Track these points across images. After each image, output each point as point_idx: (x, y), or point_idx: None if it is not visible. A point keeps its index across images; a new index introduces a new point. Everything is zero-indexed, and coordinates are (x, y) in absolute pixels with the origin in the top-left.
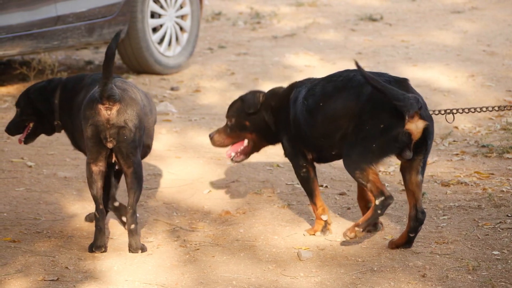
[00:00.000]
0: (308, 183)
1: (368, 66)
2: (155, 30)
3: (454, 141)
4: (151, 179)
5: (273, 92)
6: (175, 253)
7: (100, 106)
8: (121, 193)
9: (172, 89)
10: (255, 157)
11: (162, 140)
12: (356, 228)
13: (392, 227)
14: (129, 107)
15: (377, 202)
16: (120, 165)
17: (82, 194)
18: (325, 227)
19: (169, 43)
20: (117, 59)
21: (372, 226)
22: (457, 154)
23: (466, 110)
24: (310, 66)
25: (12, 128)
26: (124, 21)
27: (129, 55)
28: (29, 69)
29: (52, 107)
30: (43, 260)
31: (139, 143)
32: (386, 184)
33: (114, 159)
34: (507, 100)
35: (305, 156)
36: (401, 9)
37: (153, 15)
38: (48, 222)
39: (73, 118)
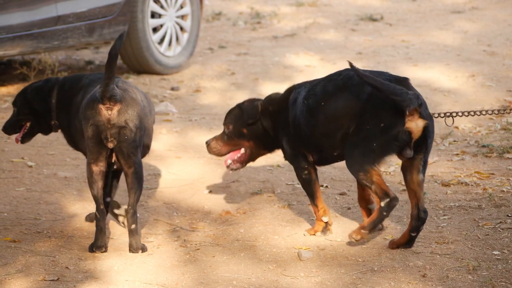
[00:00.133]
0: (309, 185)
1: (369, 66)
2: (155, 30)
3: (454, 141)
4: (151, 179)
5: (270, 98)
6: (176, 253)
7: (101, 106)
8: (122, 193)
9: (172, 89)
10: None
11: (163, 140)
12: (363, 231)
13: (393, 227)
14: (130, 107)
15: (382, 204)
16: (121, 165)
17: (83, 194)
18: (326, 228)
19: (170, 43)
20: (118, 59)
21: None
22: (458, 154)
23: (466, 113)
24: (310, 66)
25: (9, 128)
26: (124, 21)
27: (129, 55)
28: (30, 69)
29: (49, 107)
30: (44, 260)
31: (140, 143)
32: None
33: (114, 159)
34: (508, 100)
35: (306, 158)
36: (402, 9)
37: (154, 15)
38: (48, 222)
39: (71, 118)
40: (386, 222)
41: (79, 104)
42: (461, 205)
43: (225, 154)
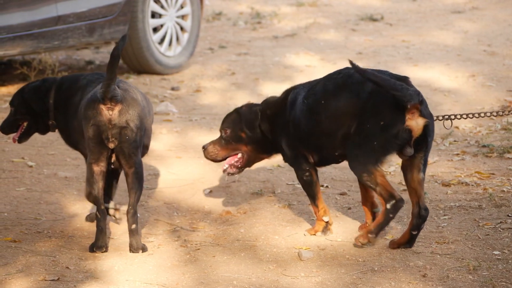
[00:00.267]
0: (311, 187)
1: (369, 66)
2: (155, 30)
3: (454, 141)
4: (151, 179)
5: (268, 102)
6: (176, 253)
7: (102, 106)
8: (122, 193)
9: (172, 89)
10: None
11: (163, 140)
12: (369, 235)
13: (393, 227)
14: (131, 108)
15: (388, 206)
16: (121, 165)
17: (83, 194)
18: (326, 228)
19: (170, 43)
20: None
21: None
22: (458, 154)
23: (464, 116)
24: (310, 66)
25: (6, 127)
26: (124, 21)
27: (129, 55)
28: (30, 69)
29: (46, 107)
30: (44, 260)
31: (140, 143)
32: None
33: (113, 159)
34: (508, 100)
35: (307, 159)
36: (402, 9)
37: (154, 15)
38: (48, 222)
39: (69, 118)
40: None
41: (77, 104)
42: (462, 205)
43: (223, 159)
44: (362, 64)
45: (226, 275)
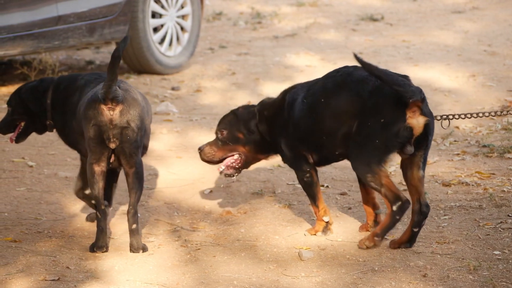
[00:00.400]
0: (311, 188)
1: None
2: (156, 30)
3: (455, 141)
4: (152, 179)
5: (265, 103)
6: (176, 253)
7: (103, 107)
8: (122, 193)
9: (173, 89)
10: None
11: (163, 140)
12: (376, 238)
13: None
14: (132, 108)
15: (394, 208)
16: (122, 165)
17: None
18: (326, 227)
19: (170, 43)
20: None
21: (374, 224)
22: (458, 154)
23: (463, 116)
24: (311, 66)
25: (3, 127)
26: (125, 21)
27: (130, 55)
28: (30, 69)
29: (44, 107)
30: (44, 260)
31: (141, 143)
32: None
33: (112, 159)
34: (508, 100)
35: (307, 160)
36: (402, 9)
37: (154, 15)
38: (49, 222)
39: (67, 118)
40: None
41: (75, 104)
42: (462, 205)
43: (219, 160)
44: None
45: (226, 275)
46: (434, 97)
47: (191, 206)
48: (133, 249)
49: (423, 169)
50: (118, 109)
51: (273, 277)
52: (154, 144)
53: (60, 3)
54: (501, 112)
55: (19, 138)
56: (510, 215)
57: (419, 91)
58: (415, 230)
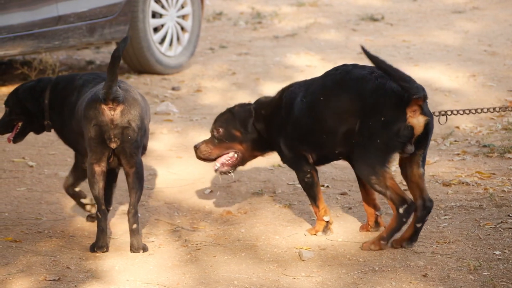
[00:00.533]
0: (312, 188)
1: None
2: (156, 30)
3: (455, 141)
4: (152, 179)
5: (262, 102)
6: (177, 253)
7: (104, 107)
8: (122, 193)
9: (173, 89)
10: None
11: (164, 140)
12: (382, 242)
13: None
14: (132, 108)
15: (400, 211)
16: (122, 165)
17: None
18: (327, 227)
19: (170, 43)
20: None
21: (374, 225)
22: (459, 154)
23: (461, 112)
24: (311, 66)
25: (1, 127)
26: (125, 21)
27: (130, 55)
28: (30, 69)
29: (41, 107)
30: (45, 260)
31: (141, 143)
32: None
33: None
34: (508, 100)
35: (307, 160)
36: (402, 9)
37: (154, 15)
38: (49, 222)
39: (65, 118)
40: (387, 222)
41: (73, 104)
42: (462, 205)
43: (215, 158)
44: (362, 64)
45: (227, 275)
46: (434, 97)
47: (192, 206)
48: (134, 249)
49: (423, 167)
50: (119, 109)
51: (274, 277)
52: (155, 144)
53: (60, 3)
54: (500, 108)
55: (17, 138)
56: (510, 215)
57: (422, 88)
58: (418, 225)
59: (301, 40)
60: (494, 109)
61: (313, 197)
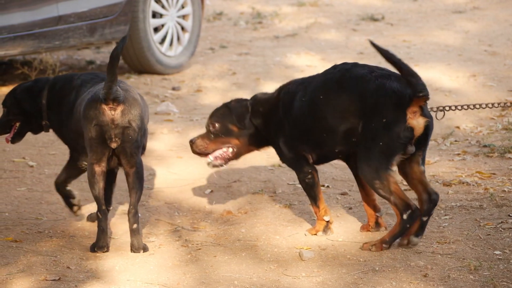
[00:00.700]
0: (313, 189)
1: None
2: (156, 30)
3: (455, 141)
4: (152, 179)
5: (259, 98)
6: (177, 253)
7: (104, 107)
8: (122, 193)
9: (173, 89)
10: (256, 157)
11: (164, 140)
12: (384, 245)
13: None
14: (133, 108)
15: (404, 216)
16: (122, 165)
17: (84, 194)
18: (327, 227)
19: (171, 43)
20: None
21: (375, 225)
22: (459, 154)
23: (459, 107)
24: (311, 66)
25: None
26: (125, 21)
27: (130, 55)
28: (31, 69)
29: (39, 107)
30: (45, 260)
31: (141, 143)
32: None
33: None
34: (509, 100)
35: (307, 161)
36: (403, 9)
37: (155, 15)
38: (50, 222)
39: (63, 118)
40: (388, 222)
41: (71, 103)
42: (463, 205)
43: (211, 153)
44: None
45: (227, 275)
46: (434, 97)
47: (192, 206)
48: (134, 249)
49: (423, 165)
50: (119, 109)
51: (274, 277)
52: (155, 144)
53: (60, 3)
54: (498, 104)
55: (15, 139)
56: (510, 215)
57: (426, 88)
58: (425, 219)
59: (302, 40)
60: (493, 104)
61: (314, 198)
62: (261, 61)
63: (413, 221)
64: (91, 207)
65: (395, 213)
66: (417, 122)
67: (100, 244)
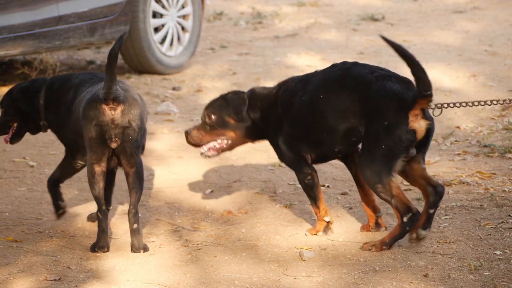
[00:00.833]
0: (312, 190)
1: None
2: (157, 30)
3: (456, 141)
4: (153, 179)
5: (257, 92)
6: (177, 253)
7: (104, 107)
8: (123, 193)
9: (174, 89)
10: (256, 157)
11: (164, 140)
12: (384, 247)
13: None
14: (133, 108)
15: (404, 219)
16: (122, 165)
17: (84, 194)
18: (327, 227)
19: (171, 43)
20: (119, 59)
21: (375, 226)
22: (459, 154)
23: (458, 105)
24: (311, 66)
25: None
26: (125, 21)
27: (131, 55)
28: (31, 69)
29: (36, 107)
30: (45, 260)
31: (141, 143)
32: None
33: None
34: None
35: (307, 162)
36: (403, 9)
37: (155, 15)
38: (50, 222)
39: (61, 118)
40: (388, 222)
41: (70, 102)
42: (463, 205)
43: (205, 144)
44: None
45: (227, 275)
46: (435, 97)
47: (192, 206)
48: (134, 249)
49: (424, 163)
50: (119, 109)
51: (274, 277)
52: (155, 144)
53: (61, 3)
54: (497, 101)
55: (13, 139)
56: (511, 215)
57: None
58: (431, 211)
59: (302, 40)
60: (491, 101)
61: (314, 198)
62: (261, 61)
63: (413, 224)
64: (91, 207)
65: (396, 216)
66: (419, 125)
67: (101, 244)
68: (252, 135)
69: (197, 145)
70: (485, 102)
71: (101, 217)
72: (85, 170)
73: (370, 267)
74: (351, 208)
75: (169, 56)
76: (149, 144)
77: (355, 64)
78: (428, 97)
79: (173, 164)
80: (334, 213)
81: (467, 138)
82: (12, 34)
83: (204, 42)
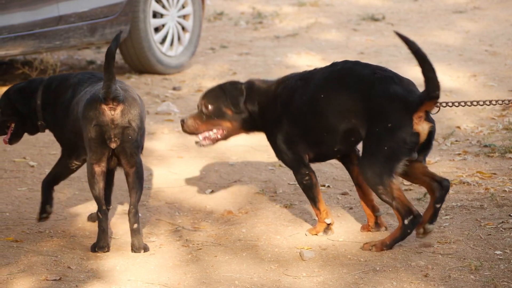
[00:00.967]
0: (311, 190)
1: None
2: (157, 30)
3: (456, 141)
4: (153, 179)
5: (256, 85)
6: (178, 253)
7: (104, 107)
8: (123, 193)
9: (174, 89)
10: (257, 157)
11: (164, 140)
12: (384, 248)
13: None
14: (132, 108)
15: (406, 221)
16: (122, 165)
17: (84, 194)
18: (328, 228)
19: (171, 43)
20: (119, 59)
21: (375, 225)
22: (460, 154)
23: (456, 104)
24: (312, 66)
25: None
26: (126, 21)
27: (131, 55)
28: (31, 69)
29: (33, 108)
30: (46, 260)
31: (141, 143)
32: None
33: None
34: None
35: (304, 161)
36: (403, 9)
37: (155, 15)
38: (50, 222)
39: (59, 118)
40: (389, 222)
41: (68, 102)
42: (463, 205)
43: (201, 133)
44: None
45: (228, 275)
46: None
47: (193, 206)
48: (135, 249)
49: (424, 162)
50: (119, 108)
51: (275, 277)
52: (155, 144)
53: (61, 3)
54: (496, 101)
55: (12, 140)
56: (511, 215)
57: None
58: (438, 206)
59: (302, 40)
60: (490, 102)
61: (313, 199)
62: (261, 61)
63: (414, 226)
64: (91, 207)
65: (397, 218)
66: (422, 127)
67: (101, 244)
68: (248, 126)
69: (192, 133)
70: (484, 102)
71: (101, 217)
72: (85, 170)
73: (370, 267)
74: (351, 208)
75: (170, 56)
76: (150, 144)
77: (356, 63)
78: (435, 98)
79: (174, 164)
80: (335, 213)
81: (467, 138)
82: (12, 34)
83: (204, 42)
